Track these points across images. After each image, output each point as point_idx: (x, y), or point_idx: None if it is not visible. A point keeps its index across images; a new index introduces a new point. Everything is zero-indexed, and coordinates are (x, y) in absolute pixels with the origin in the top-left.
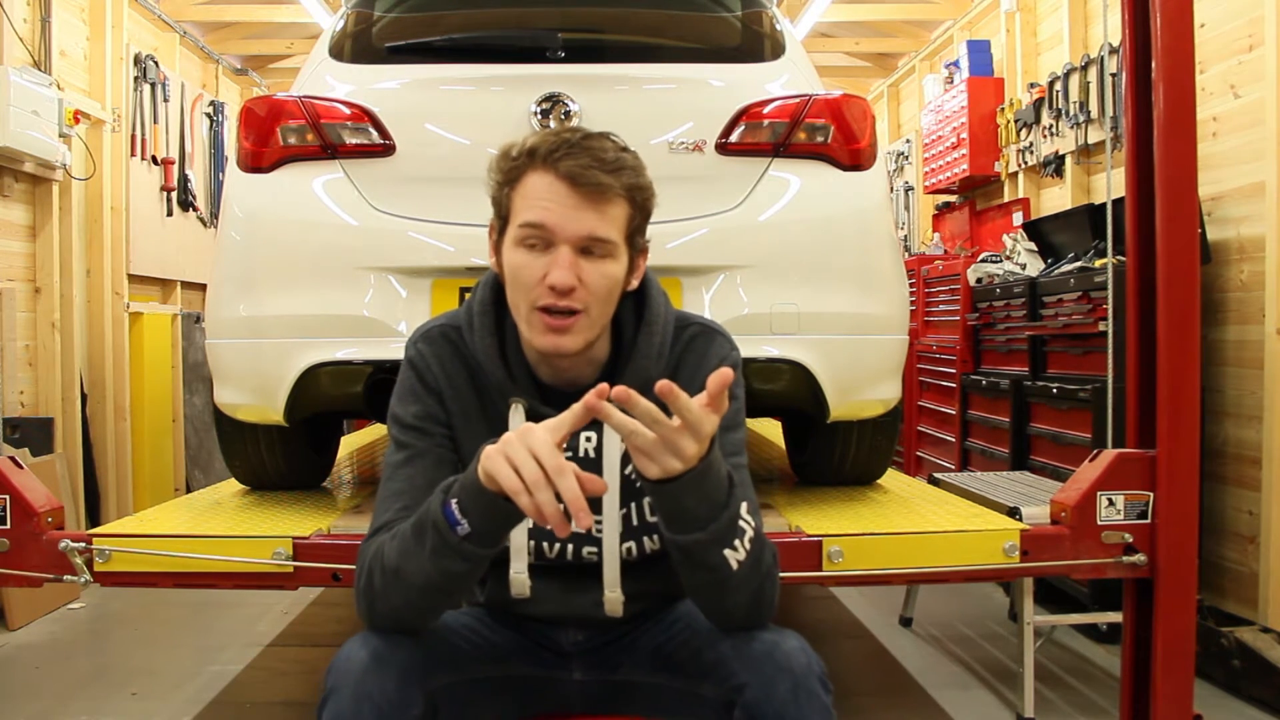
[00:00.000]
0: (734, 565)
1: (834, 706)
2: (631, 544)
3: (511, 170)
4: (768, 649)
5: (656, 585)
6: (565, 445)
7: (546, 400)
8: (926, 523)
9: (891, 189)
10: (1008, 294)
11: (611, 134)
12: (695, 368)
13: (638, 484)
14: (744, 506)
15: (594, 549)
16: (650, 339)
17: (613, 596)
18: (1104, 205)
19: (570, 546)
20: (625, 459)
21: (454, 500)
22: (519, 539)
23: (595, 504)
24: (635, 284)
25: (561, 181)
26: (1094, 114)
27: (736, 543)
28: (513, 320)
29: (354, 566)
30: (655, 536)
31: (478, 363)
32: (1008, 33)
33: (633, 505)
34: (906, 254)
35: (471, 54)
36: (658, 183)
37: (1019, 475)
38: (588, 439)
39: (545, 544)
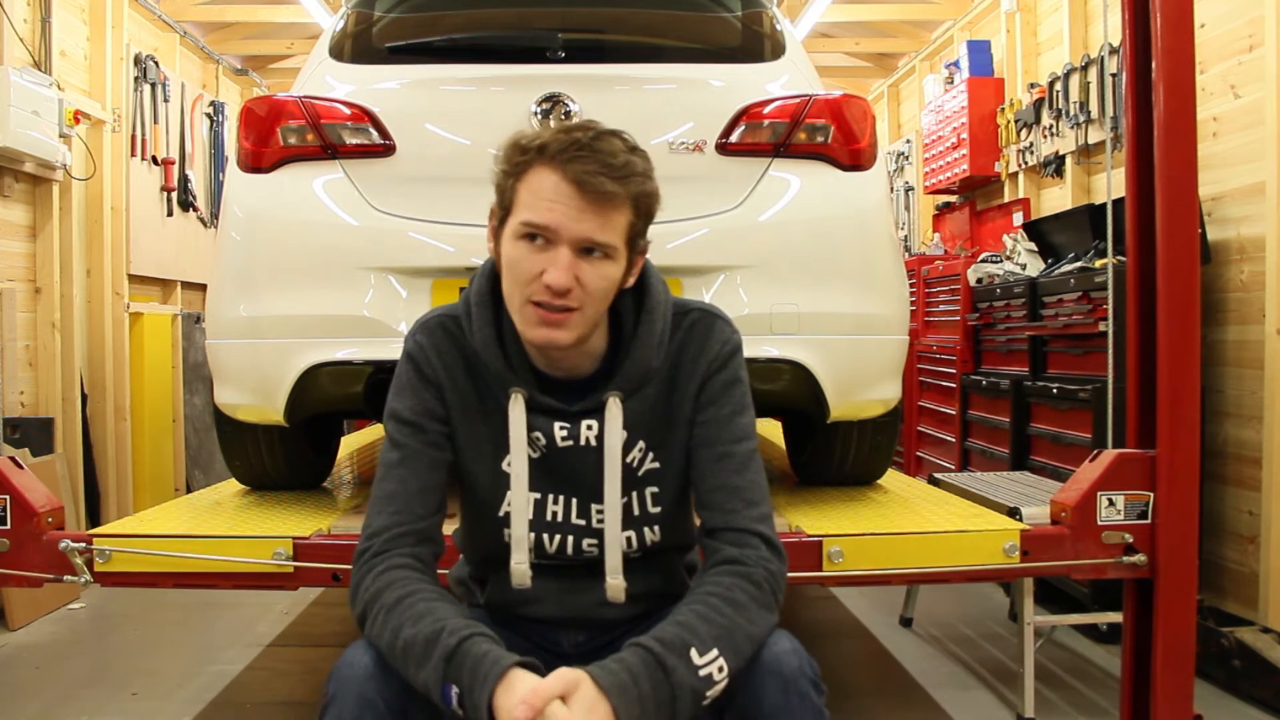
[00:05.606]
0: (723, 682)
1: (831, 707)
2: (631, 533)
3: (520, 163)
4: (758, 651)
5: (656, 584)
6: (567, 434)
7: (545, 390)
8: (926, 523)
9: (891, 189)
10: (1008, 294)
11: (623, 133)
12: (697, 353)
13: (639, 473)
14: (694, 656)
15: (594, 541)
16: (651, 328)
17: (614, 583)
18: (1104, 205)
19: (571, 540)
20: (626, 447)
21: (454, 689)
22: (519, 530)
23: (597, 492)
24: (632, 281)
25: (568, 184)
26: (1094, 114)
27: (710, 692)
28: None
29: (354, 567)
30: (656, 527)
31: (475, 354)
32: (1008, 33)
33: (634, 494)
34: (906, 254)
35: (472, 54)
36: (658, 183)
37: (1019, 475)
38: (588, 426)
39: (546, 537)
